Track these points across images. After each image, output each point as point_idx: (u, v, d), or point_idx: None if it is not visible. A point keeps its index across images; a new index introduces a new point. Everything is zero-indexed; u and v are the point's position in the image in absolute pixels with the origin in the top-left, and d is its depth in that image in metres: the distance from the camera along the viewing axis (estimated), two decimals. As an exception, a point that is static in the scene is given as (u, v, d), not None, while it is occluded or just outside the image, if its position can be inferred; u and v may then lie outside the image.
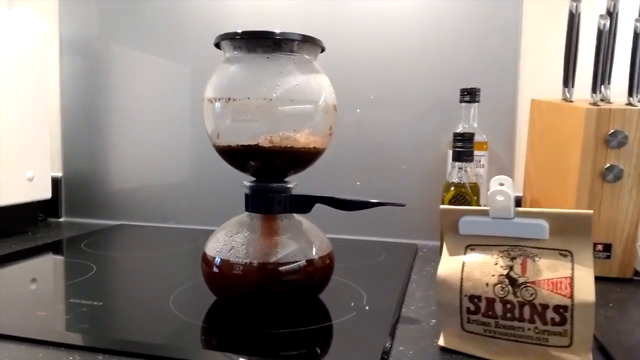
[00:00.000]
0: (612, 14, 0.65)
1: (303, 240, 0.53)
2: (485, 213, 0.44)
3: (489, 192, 0.43)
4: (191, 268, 0.70)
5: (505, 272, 0.42)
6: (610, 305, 0.56)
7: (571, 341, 0.39)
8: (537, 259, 0.42)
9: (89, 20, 1.02)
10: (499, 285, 0.41)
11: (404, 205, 0.51)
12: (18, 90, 0.85)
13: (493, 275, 0.42)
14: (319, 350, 0.45)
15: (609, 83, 0.67)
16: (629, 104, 0.64)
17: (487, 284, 0.42)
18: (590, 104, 0.64)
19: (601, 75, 0.66)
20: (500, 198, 0.42)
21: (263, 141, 0.49)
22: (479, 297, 0.42)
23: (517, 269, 0.42)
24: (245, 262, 0.49)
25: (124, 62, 1.00)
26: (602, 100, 0.66)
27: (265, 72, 0.49)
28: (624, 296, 0.59)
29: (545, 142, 0.74)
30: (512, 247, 0.43)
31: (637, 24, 0.64)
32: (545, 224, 0.42)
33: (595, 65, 0.66)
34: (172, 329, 0.48)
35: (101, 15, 1.01)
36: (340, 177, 0.89)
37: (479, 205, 0.71)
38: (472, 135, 0.69)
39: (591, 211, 0.41)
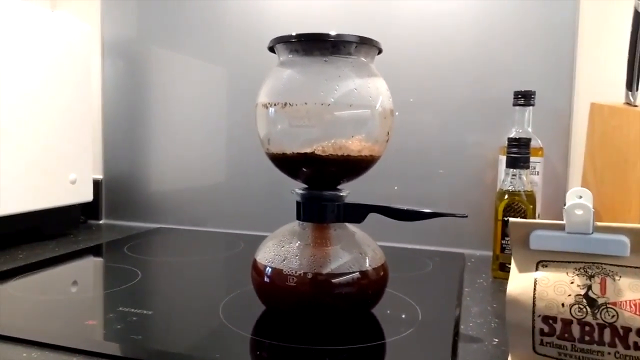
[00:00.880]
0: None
1: (356, 250, 0.51)
2: (560, 227, 0.41)
3: (566, 206, 0.40)
4: (237, 275, 0.69)
5: (582, 291, 0.39)
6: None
7: (656, 368, 0.36)
8: (617, 277, 0.39)
9: (130, 22, 1.02)
10: (577, 306, 0.38)
11: (466, 216, 0.49)
12: (61, 93, 0.85)
13: (569, 295, 0.39)
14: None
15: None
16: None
17: (562, 304, 0.39)
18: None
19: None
20: (579, 212, 0.39)
21: (318, 149, 0.47)
22: (554, 318, 0.39)
23: (596, 288, 0.39)
24: (299, 274, 0.47)
25: (164, 65, 1.00)
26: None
27: (322, 76, 0.47)
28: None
29: (607, 149, 0.70)
30: (589, 265, 0.40)
31: None
32: (626, 240, 0.39)
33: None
34: (222, 341, 0.46)
35: (141, 17, 1.01)
36: (378, 181, 0.86)
37: (534, 214, 0.67)
38: (528, 140, 0.66)
39: (679, 228, 0.38)
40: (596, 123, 0.74)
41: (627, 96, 0.67)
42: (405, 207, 0.51)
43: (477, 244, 0.82)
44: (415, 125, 0.86)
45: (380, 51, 0.51)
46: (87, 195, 0.92)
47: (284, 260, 0.49)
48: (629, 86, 0.66)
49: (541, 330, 0.40)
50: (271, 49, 0.51)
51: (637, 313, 0.37)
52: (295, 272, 0.47)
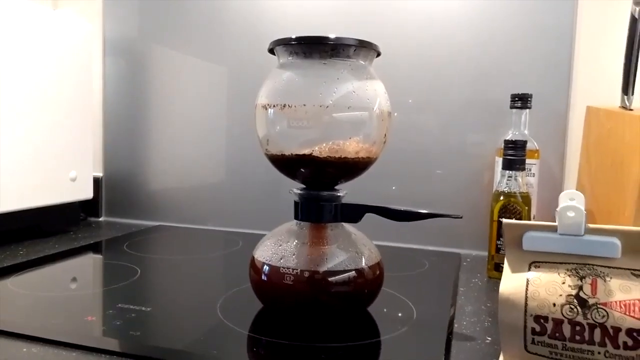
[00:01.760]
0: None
1: (353, 250, 0.51)
2: (552, 229, 0.42)
3: (558, 208, 0.41)
4: (235, 273, 0.70)
5: (574, 292, 0.40)
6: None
7: (645, 367, 0.37)
8: (607, 279, 0.39)
9: (131, 21, 1.02)
10: (568, 306, 0.39)
11: (461, 217, 0.50)
12: (62, 90, 0.86)
13: (560, 295, 0.40)
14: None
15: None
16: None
17: (554, 304, 0.40)
18: (652, 112, 0.61)
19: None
20: (571, 214, 0.40)
21: (316, 150, 0.48)
22: (545, 318, 0.40)
23: (587, 289, 0.39)
24: (296, 272, 0.48)
25: (165, 64, 1.00)
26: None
27: (321, 79, 0.48)
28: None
29: (602, 152, 0.71)
30: (581, 266, 0.41)
31: None
32: (617, 242, 0.40)
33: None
34: (221, 337, 0.47)
35: (143, 16, 1.01)
36: (376, 181, 0.87)
37: (529, 216, 0.68)
38: (525, 142, 0.67)
39: (670, 230, 0.39)
40: (592, 126, 0.75)
41: (622, 100, 0.67)
42: (402, 208, 0.52)
43: (474, 244, 0.83)
44: (414, 126, 0.87)
45: (378, 54, 0.52)
46: (87, 193, 0.92)
47: (281, 258, 0.49)
48: (625, 90, 0.67)
49: (533, 329, 0.40)
50: (271, 51, 0.52)
51: (627, 313, 0.38)
52: (292, 271, 0.48)
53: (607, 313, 0.38)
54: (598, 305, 0.38)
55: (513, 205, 0.67)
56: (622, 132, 0.65)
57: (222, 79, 0.97)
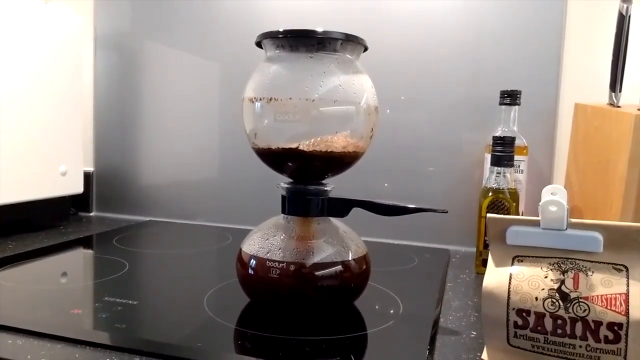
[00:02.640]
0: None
1: (339, 244, 0.51)
2: (535, 223, 0.42)
3: (541, 202, 0.41)
4: (223, 268, 0.70)
5: (556, 286, 0.40)
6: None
7: (625, 360, 0.37)
8: (589, 273, 0.40)
9: (123, 16, 1.02)
10: (549, 300, 0.40)
11: (446, 212, 0.50)
12: (52, 85, 0.86)
13: (543, 289, 0.40)
14: (353, 360, 0.44)
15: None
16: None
17: (536, 298, 0.40)
18: (638, 109, 0.61)
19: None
20: (553, 208, 0.40)
21: (303, 144, 0.48)
22: (527, 311, 0.40)
23: (569, 283, 0.40)
24: (282, 266, 0.48)
25: (157, 59, 1.00)
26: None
27: (308, 72, 0.48)
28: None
29: (590, 149, 0.71)
30: (563, 260, 0.41)
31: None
32: (599, 236, 0.40)
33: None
34: (206, 331, 0.47)
35: (135, 11, 1.01)
36: (368, 178, 0.87)
37: (517, 212, 0.68)
38: (513, 139, 0.67)
39: (651, 225, 0.39)
40: (580, 123, 0.75)
41: (610, 97, 0.68)
42: (388, 202, 0.52)
43: (463, 240, 0.84)
44: (406, 122, 0.87)
45: (365, 49, 0.52)
46: (77, 187, 0.92)
47: (267, 252, 0.49)
48: (613, 87, 0.67)
49: (515, 323, 0.41)
50: (258, 44, 0.52)
51: (608, 307, 0.38)
52: (279, 264, 0.48)
53: (589, 307, 0.38)
54: (579, 299, 0.39)
55: (501, 202, 0.68)
56: (609, 129, 0.65)
57: (214, 75, 0.97)
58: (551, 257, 0.41)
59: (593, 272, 0.40)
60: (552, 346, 0.40)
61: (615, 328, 0.37)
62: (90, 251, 0.79)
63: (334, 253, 0.50)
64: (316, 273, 0.49)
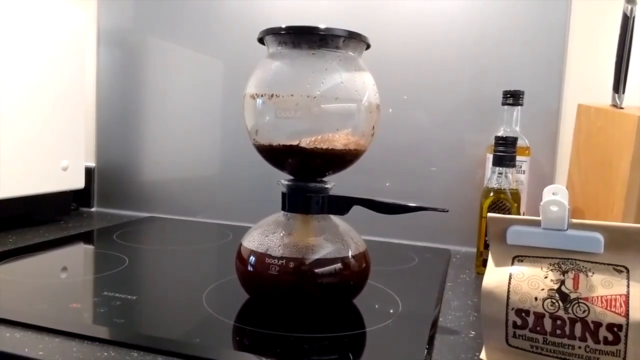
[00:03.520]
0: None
1: (339, 242, 0.51)
2: (536, 223, 0.42)
3: (542, 202, 0.41)
4: (223, 264, 0.69)
5: (555, 286, 0.40)
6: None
7: (624, 362, 0.37)
8: (590, 273, 0.40)
9: (126, 12, 1.02)
10: (549, 300, 0.39)
11: (447, 211, 0.50)
12: (55, 80, 0.86)
13: (542, 289, 0.40)
14: (351, 358, 0.44)
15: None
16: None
17: (536, 298, 0.40)
18: (642, 111, 0.61)
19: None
20: (554, 208, 0.40)
21: (304, 142, 0.48)
22: (526, 312, 0.40)
23: (569, 283, 0.39)
24: (281, 263, 0.48)
25: (159, 55, 1.00)
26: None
27: (309, 69, 0.48)
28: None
29: (592, 150, 0.71)
30: (564, 261, 0.41)
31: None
32: (600, 237, 0.40)
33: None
34: (205, 327, 0.47)
35: (138, 7, 1.01)
36: (369, 176, 0.87)
37: (519, 212, 0.68)
38: (515, 139, 0.67)
39: (652, 227, 0.39)
40: (582, 124, 0.75)
41: (613, 98, 0.67)
42: (388, 201, 0.52)
43: (464, 240, 0.83)
44: (408, 122, 0.87)
45: (368, 46, 0.52)
46: (78, 182, 0.92)
47: (267, 249, 0.49)
48: (616, 88, 0.67)
49: (514, 323, 0.40)
50: (260, 41, 0.52)
51: (608, 308, 0.38)
52: (278, 261, 0.48)
53: (588, 308, 0.38)
54: (579, 300, 0.39)
55: (502, 202, 0.67)
56: (612, 130, 0.65)
57: (217, 71, 0.97)
58: (551, 258, 0.41)
59: (593, 272, 0.40)
60: (551, 347, 0.39)
61: (615, 329, 0.37)
62: (90, 246, 0.79)
63: (334, 250, 0.50)
64: (315, 270, 0.48)
